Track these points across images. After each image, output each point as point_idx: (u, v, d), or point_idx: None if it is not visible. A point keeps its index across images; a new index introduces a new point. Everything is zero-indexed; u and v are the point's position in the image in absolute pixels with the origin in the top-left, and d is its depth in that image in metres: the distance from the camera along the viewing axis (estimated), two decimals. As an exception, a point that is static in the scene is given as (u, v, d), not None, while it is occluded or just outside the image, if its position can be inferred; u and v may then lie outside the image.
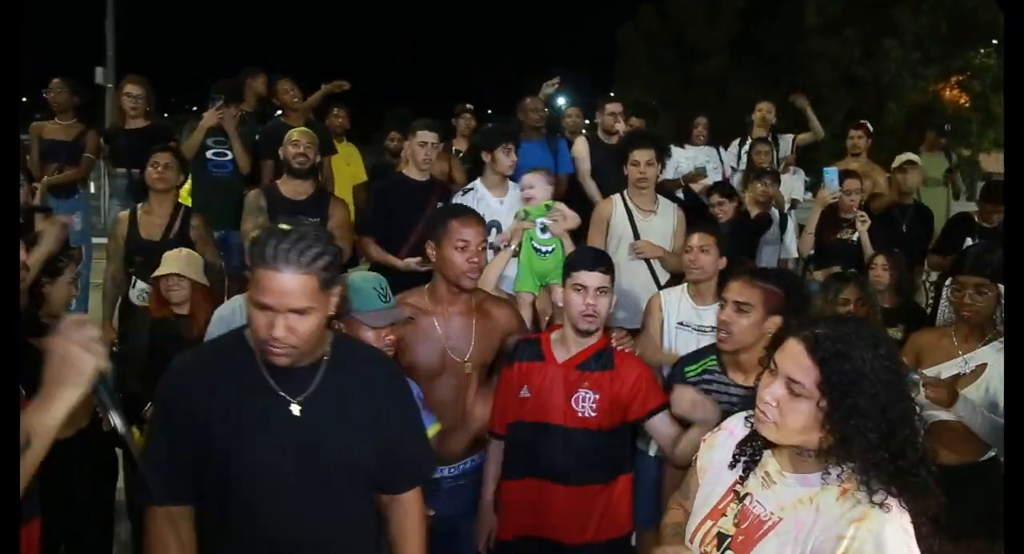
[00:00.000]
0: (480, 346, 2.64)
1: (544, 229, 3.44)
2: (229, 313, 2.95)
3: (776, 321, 2.31)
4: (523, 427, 2.52)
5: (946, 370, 2.80)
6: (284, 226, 1.62)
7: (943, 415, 2.76)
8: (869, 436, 1.37)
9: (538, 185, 3.56)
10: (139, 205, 4.07)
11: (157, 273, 3.27)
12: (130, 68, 5.36)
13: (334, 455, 1.71)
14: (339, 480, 1.74)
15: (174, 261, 3.30)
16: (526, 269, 3.45)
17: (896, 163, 4.98)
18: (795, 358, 1.42)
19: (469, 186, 4.18)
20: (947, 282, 2.93)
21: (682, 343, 3.12)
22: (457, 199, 4.07)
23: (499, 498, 2.62)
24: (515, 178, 4.03)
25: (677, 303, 3.27)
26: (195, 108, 5.86)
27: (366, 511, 1.84)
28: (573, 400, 2.48)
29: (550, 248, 3.42)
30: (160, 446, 1.73)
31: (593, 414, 2.47)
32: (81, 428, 2.80)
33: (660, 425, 2.48)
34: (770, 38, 19.93)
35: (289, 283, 1.56)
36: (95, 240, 5.78)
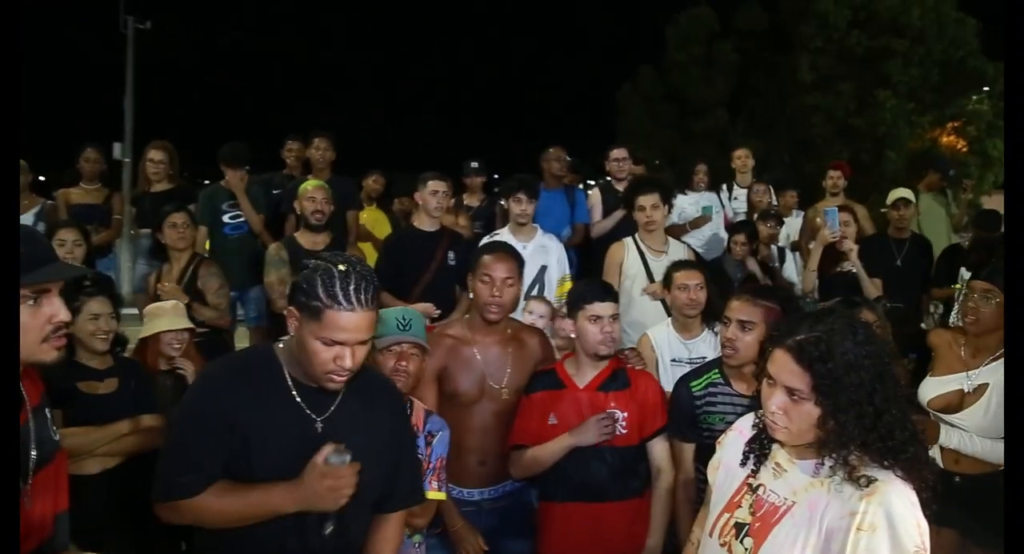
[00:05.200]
0: (516, 373, 2.78)
1: None
2: None
3: None
4: None
5: (950, 384, 2.83)
6: (341, 266, 1.72)
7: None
8: (861, 422, 1.49)
9: (536, 312, 3.67)
10: (163, 265, 4.28)
11: (158, 330, 3.18)
12: (146, 143, 5.57)
13: None
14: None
15: (173, 316, 3.24)
16: None
17: (890, 200, 5.09)
18: (787, 367, 1.55)
19: (496, 232, 4.46)
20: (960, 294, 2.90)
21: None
22: (483, 243, 4.28)
23: (542, 520, 2.69)
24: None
25: (666, 340, 3.39)
26: (207, 182, 6.01)
27: (366, 528, 1.94)
28: None
29: None
30: (193, 445, 1.77)
31: (624, 431, 2.59)
32: (107, 468, 2.82)
33: (657, 445, 2.64)
34: (766, 93, 20.42)
35: (363, 320, 1.72)
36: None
